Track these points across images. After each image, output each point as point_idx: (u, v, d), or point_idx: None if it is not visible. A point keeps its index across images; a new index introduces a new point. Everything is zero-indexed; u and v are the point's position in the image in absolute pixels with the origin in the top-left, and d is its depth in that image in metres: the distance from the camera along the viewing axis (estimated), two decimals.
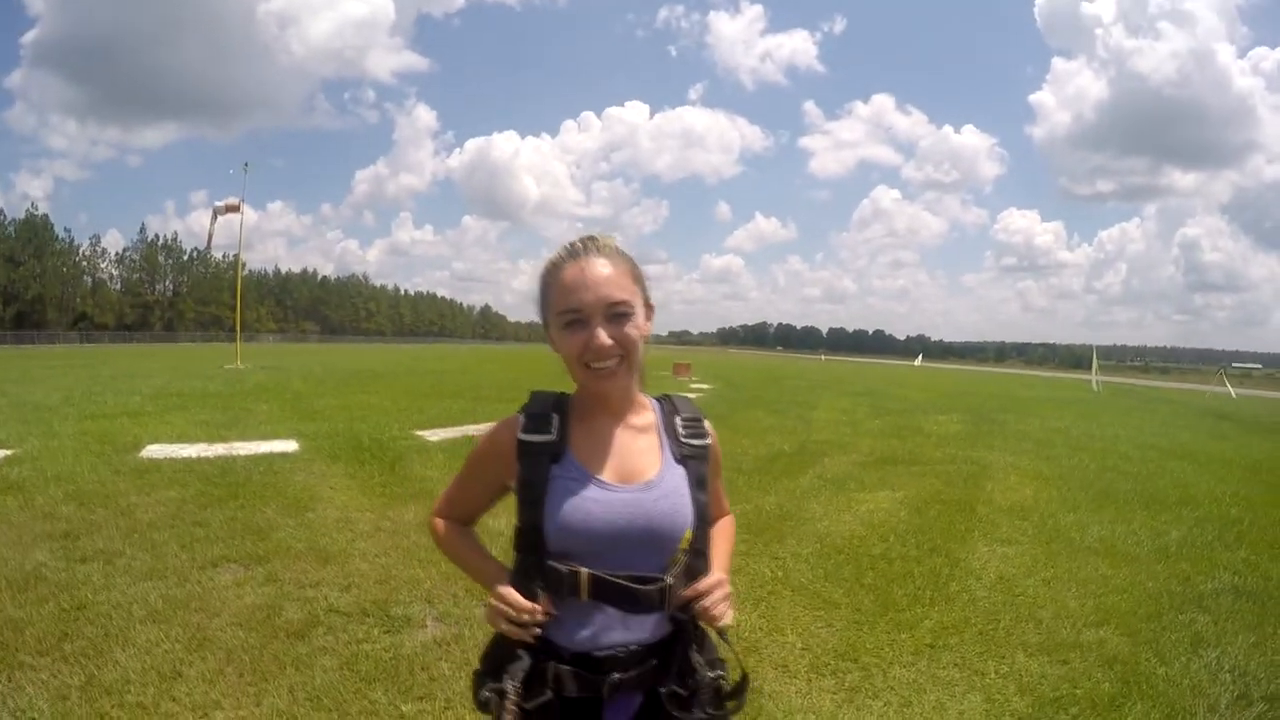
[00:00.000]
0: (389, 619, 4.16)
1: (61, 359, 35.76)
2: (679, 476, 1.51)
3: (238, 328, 39.53)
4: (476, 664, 1.54)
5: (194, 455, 8.50)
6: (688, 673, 1.46)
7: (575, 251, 1.49)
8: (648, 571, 1.44)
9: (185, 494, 6.68)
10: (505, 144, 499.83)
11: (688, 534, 1.48)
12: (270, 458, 8.55)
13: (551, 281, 1.50)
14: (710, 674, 1.48)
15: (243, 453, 8.76)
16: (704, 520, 1.52)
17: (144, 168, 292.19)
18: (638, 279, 1.52)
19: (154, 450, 8.78)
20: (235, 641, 3.80)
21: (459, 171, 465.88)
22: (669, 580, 1.44)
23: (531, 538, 1.44)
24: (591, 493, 1.44)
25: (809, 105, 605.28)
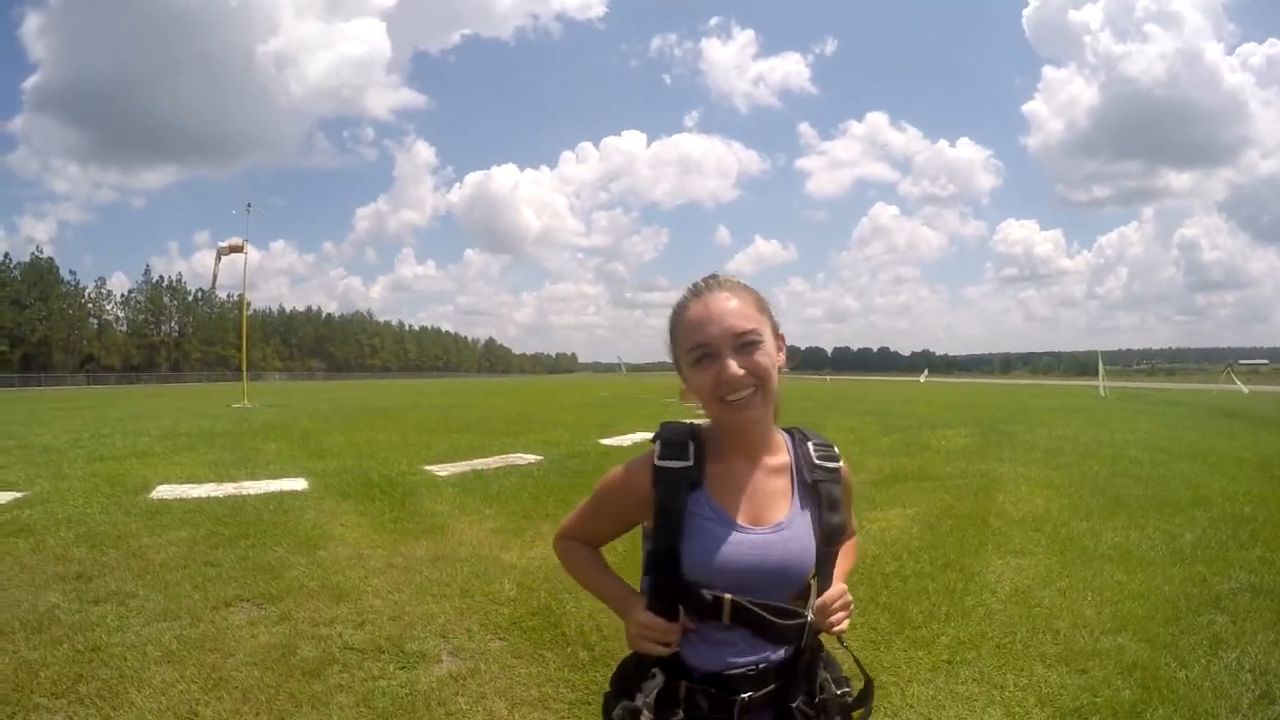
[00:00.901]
0: (404, 655, 4.14)
1: (69, 401, 35.95)
2: (806, 519, 1.53)
3: (244, 367, 39.57)
4: (607, 685, 1.58)
5: (204, 495, 8.51)
6: (815, 690, 1.49)
7: (699, 290, 1.52)
8: (781, 602, 1.47)
9: (196, 534, 6.69)
10: (504, 177, 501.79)
11: (812, 571, 1.51)
12: (280, 496, 8.56)
13: (678, 322, 1.52)
14: (837, 691, 1.51)
15: (252, 492, 8.78)
16: (830, 540, 1.54)
17: (146, 210, 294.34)
18: (764, 309, 1.53)
19: (164, 491, 8.80)
20: (251, 681, 3.79)
21: (459, 206, 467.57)
22: (809, 616, 1.47)
23: (668, 561, 1.45)
24: (726, 534, 1.46)
25: (804, 126, 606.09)
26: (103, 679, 3.79)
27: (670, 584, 1.45)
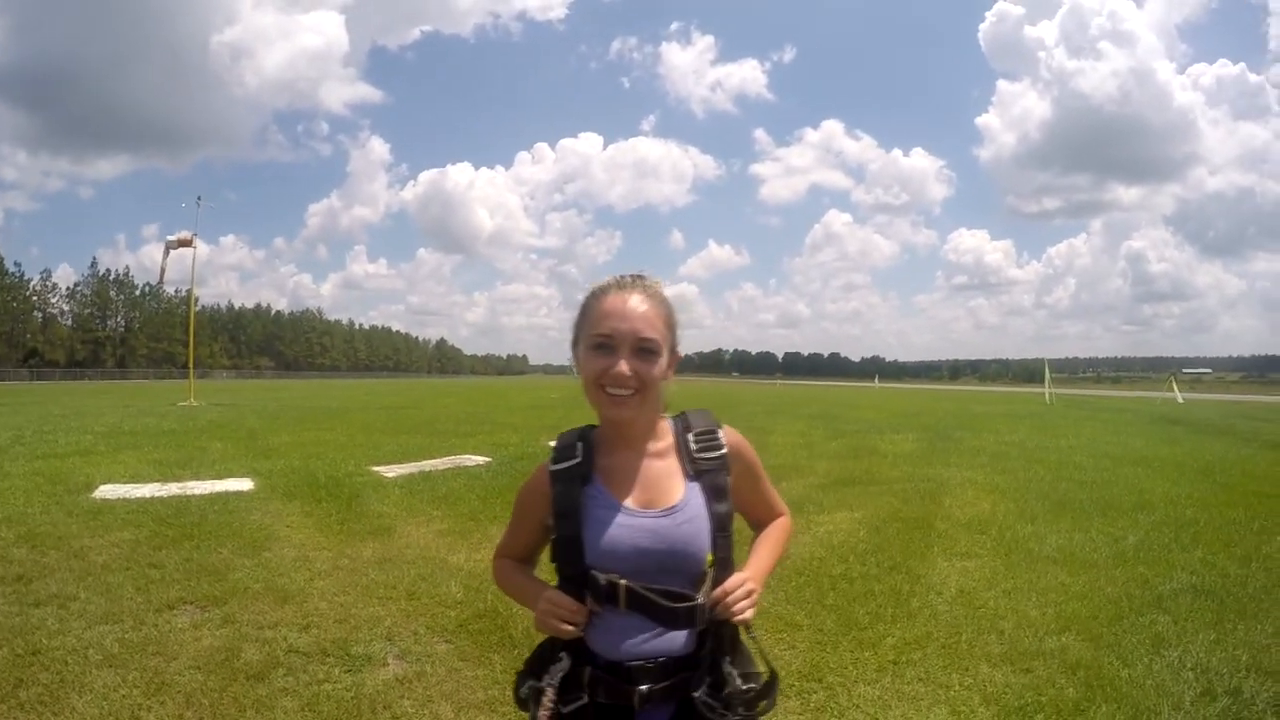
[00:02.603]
0: (349, 658, 4.09)
1: (11, 396, 35.01)
2: (699, 499, 1.56)
3: (190, 364, 38.92)
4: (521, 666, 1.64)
5: (148, 495, 8.34)
6: (720, 683, 1.51)
7: (622, 284, 1.59)
8: (678, 588, 1.50)
9: (139, 535, 6.54)
10: (459, 175, 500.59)
11: (709, 556, 1.53)
12: (225, 497, 8.41)
13: (592, 305, 1.59)
14: (742, 686, 1.52)
15: (197, 492, 8.62)
16: (724, 530, 1.56)
17: (95, 200, 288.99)
18: (671, 325, 1.61)
19: (107, 490, 8.61)
20: (194, 685, 3.71)
21: (413, 204, 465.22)
22: (700, 599, 1.49)
23: (570, 550, 1.51)
24: (619, 519, 1.52)
25: (759, 133, 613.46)
26: (43, 683, 3.69)
27: (574, 571, 1.50)
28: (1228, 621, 4.79)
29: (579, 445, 1.58)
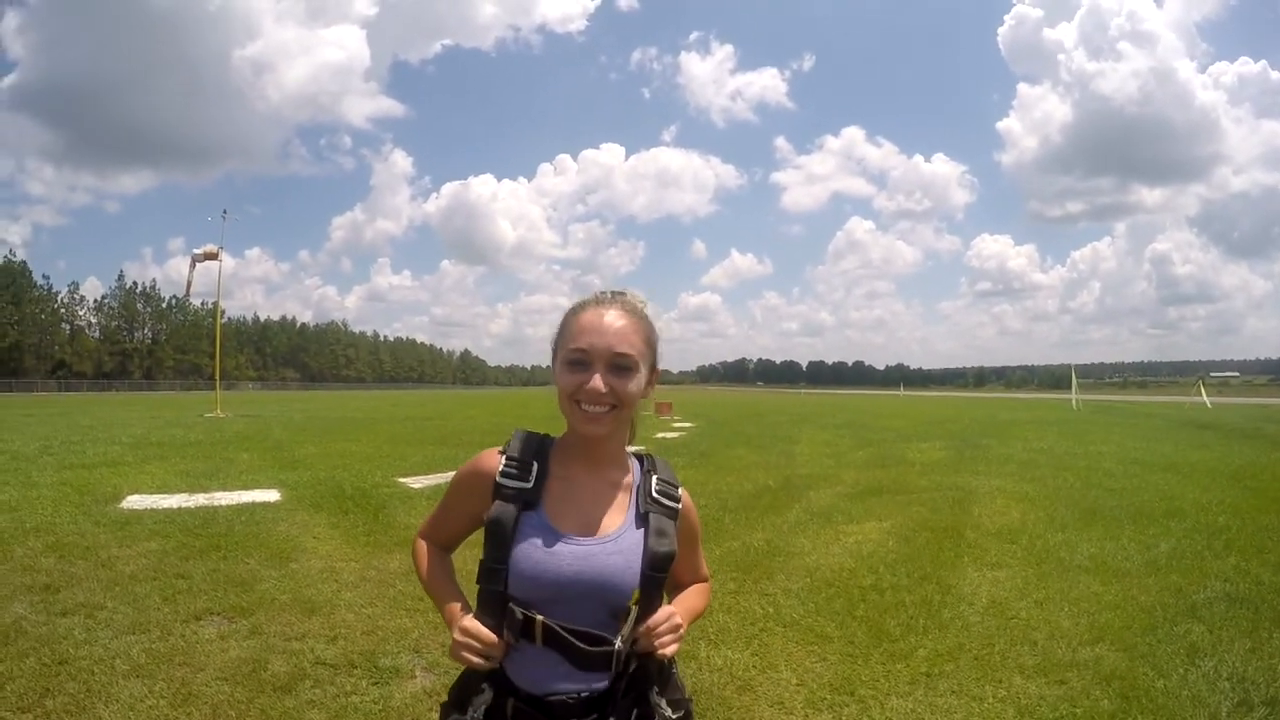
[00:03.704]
0: (377, 670, 4.08)
1: (39, 407, 35.51)
2: (638, 537, 1.53)
3: (217, 375, 39.11)
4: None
5: (175, 506, 8.39)
6: (647, 715, 1.49)
7: (601, 300, 1.56)
8: (600, 624, 1.46)
9: (167, 545, 6.58)
10: (482, 187, 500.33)
11: (635, 593, 1.49)
12: (252, 508, 8.44)
13: (570, 320, 1.55)
14: (671, 715, 1.50)
15: (224, 503, 8.66)
16: (658, 567, 1.52)
17: (121, 214, 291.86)
18: (650, 344, 1.57)
19: (134, 501, 8.67)
20: (221, 696, 3.71)
21: (436, 216, 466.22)
22: (618, 645, 1.46)
23: (495, 574, 1.46)
24: (551, 545, 1.46)
25: (780, 141, 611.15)
26: (70, 693, 3.70)
27: (495, 597, 1.46)
28: (1263, 630, 4.71)
29: (534, 466, 1.53)
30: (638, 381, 1.51)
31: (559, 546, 1.46)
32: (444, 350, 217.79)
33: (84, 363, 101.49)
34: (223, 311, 40.30)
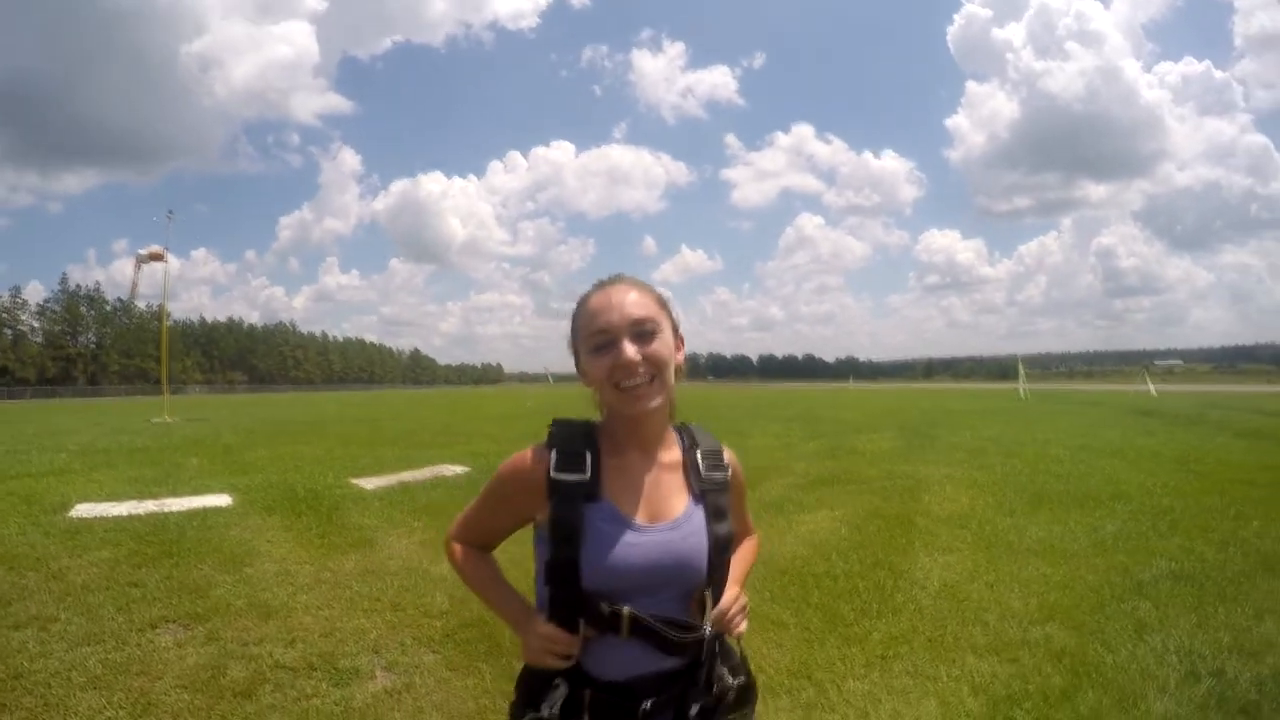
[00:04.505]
0: (337, 672, 4.06)
1: None
2: (700, 515, 1.53)
3: (164, 379, 38.22)
4: (513, 695, 1.57)
5: (125, 513, 8.22)
6: (713, 685, 1.52)
7: (601, 283, 1.55)
8: (676, 606, 1.48)
9: (118, 554, 6.45)
10: (431, 185, 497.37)
11: (705, 579, 1.51)
12: (204, 513, 8.31)
13: (580, 312, 1.54)
14: (733, 680, 1.56)
15: (175, 509, 8.51)
16: (721, 550, 1.53)
17: (64, 215, 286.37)
18: (664, 306, 1.56)
19: (84, 509, 8.48)
20: (181, 704, 3.68)
21: (384, 214, 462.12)
22: (707, 631, 1.48)
23: (566, 572, 1.44)
24: (627, 536, 1.45)
25: (730, 138, 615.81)
26: (27, 707, 3.64)
27: (570, 596, 1.44)
28: (1208, 605, 4.88)
29: (587, 456, 1.49)
30: (664, 341, 1.49)
31: (635, 536, 1.46)
32: (394, 350, 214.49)
33: (27, 369, 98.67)
34: (169, 314, 39.37)
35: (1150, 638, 4.33)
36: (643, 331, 1.47)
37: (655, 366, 1.47)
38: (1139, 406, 30.92)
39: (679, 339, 1.58)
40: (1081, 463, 11.98)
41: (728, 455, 1.64)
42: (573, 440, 1.52)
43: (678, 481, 1.55)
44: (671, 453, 1.58)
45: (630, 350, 1.44)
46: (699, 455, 1.59)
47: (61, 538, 7.08)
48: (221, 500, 9.13)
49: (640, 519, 1.48)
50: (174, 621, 4.86)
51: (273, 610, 5.05)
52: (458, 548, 1.69)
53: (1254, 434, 17.08)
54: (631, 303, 1.48)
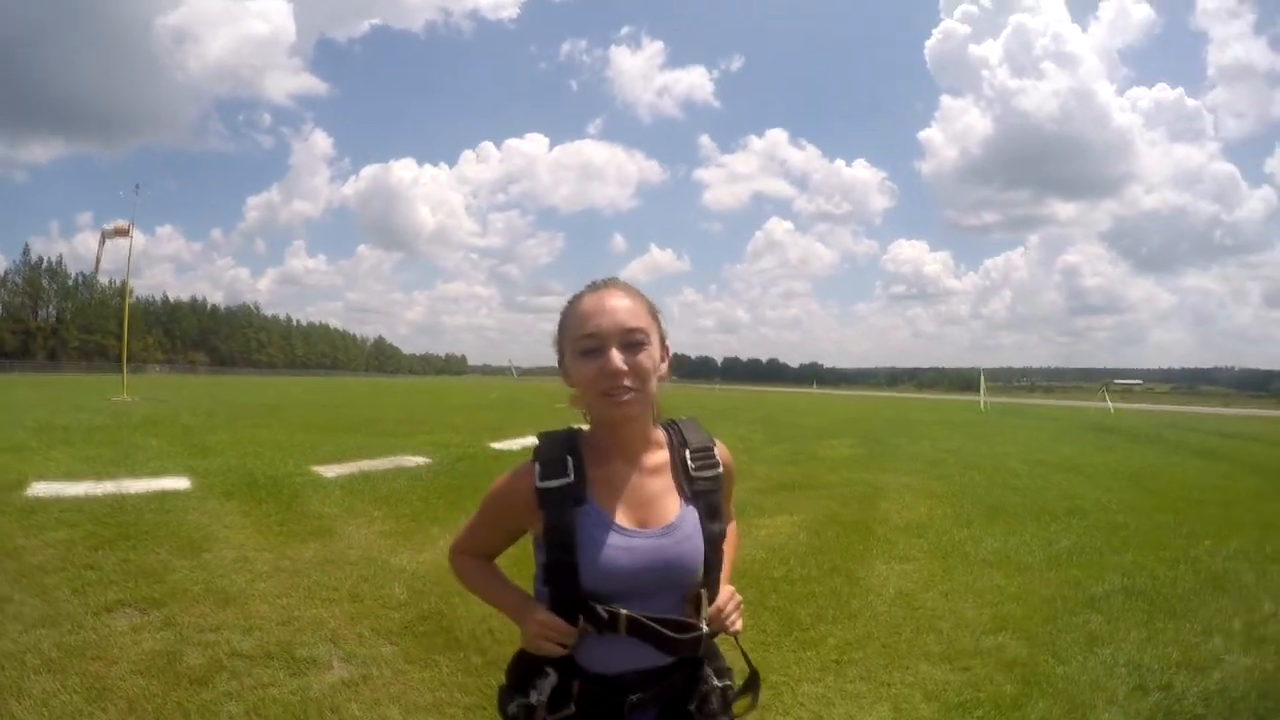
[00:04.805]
0: (294, 661, 4.05)
1: None
2: (694, 517, 1.55)
3: (124, 358, 37.60)
4: (503, 679, 1.61)
5: (82, 494, 8.10)
6: (699, 683, 1.56)
7: (595, 286, 1.56)
8: (670, 607, 1.52)
9: (75, 535, 6.36)
10: (403, 172, 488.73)
11: (700, 576, 1.55)
12: (162, 496, 8.21)
13: (570, 313, 1.55)
14: (719, 683, 1.58)
15: (133, 490, 8.39)
16: (716, 549, 1.57)
17: (29, 184, 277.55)
18: (655, 316, 1.58)
19: (40, 488, 8.34)
20: (136, 690, 3.65)
21: (354, 199, 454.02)
22: (704, 629, 1.52)
23: (563, 574, 1.48)
24: (618, 540, 1.48)
25: (704, 139, 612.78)
26: None
27: (569, 596, 1.48)
28: (1158, 620, 5.00)
29: (569, 460, 1.51)
30: (650, 354, 1.50)
31: (625, 541, 1.48)
32: (358, 336, 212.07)
33: None
34: (132, 291, 38.78)
35: (1101, 650, 4.43)
36: (632, 342, 1.48)
37: (640, 378, 1.48)
38: (1097, 423, 31.42)
39: (664, 349, 1.59)
40: (1039, 477, 12.16)
41: (719, 450, 1.65)
42: (554, 449, 1.54)
43: (667, 484, 1.58)
44: (658, 455, 1.60)
45: (617, 359, 1.45)
46: (688, 454, 1.60)
47: (17, 516, 6.98)
48: (180, 483, 9.02)
49: (629, 525, 1.51)
50: (130, 606, 4.81)
51: (230, 597, 5.02)
52: (463, 559, 1.72)
53: (1209, 454, 17.43)
54: (625, 310, 1.50)
